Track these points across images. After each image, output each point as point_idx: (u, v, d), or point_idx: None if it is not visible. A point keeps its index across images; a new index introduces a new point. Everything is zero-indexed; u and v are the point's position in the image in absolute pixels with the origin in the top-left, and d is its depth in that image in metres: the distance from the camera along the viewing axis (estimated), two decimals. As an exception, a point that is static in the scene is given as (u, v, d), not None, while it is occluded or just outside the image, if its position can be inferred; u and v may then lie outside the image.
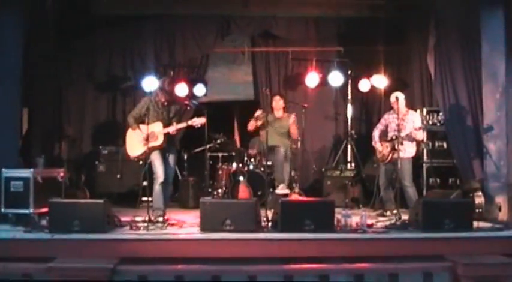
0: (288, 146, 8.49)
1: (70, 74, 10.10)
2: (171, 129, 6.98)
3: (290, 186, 8.32)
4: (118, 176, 8.94)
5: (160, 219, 6.57)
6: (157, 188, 6.91)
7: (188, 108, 9.93)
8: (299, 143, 8.69)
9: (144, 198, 8.18)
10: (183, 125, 7.08)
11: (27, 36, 7.64)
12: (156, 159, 6.95)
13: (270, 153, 8.17)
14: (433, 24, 8.50)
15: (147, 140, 6.81)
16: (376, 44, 10.13)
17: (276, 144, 8.25)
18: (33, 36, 8.15)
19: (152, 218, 6.45)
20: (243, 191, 8.53)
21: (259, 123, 8.32)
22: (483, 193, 7.23)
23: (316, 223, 5.94)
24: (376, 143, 7.93)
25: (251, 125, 8.48)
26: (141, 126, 6.95)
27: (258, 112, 8.41)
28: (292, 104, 10.07)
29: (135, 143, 7.01)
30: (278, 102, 8.57)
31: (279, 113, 8.58)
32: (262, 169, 8.68)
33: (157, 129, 6.93)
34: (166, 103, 7.12)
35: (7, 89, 7.07)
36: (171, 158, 7.14)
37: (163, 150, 7.01)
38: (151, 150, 6.88)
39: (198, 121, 7.11)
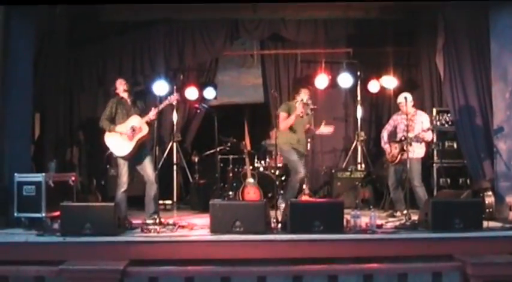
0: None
1: (81, 79, 10.19)
2: (151, 114, 6.98)
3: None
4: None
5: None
6: (119, 195, 6.99)
7: (198, 111, 10.07)
8: (309, 145, 8.58)
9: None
10: (160, 106, 7.08)
11: (38, 43, 7.76)
12: (123, 166, 7.02)
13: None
14: (442, 24, 8.49)
15: (132, 134, 6.90)
16: (385, 45, 10.16)
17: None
18: (44, 43, 8.29)
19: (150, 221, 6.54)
20: (253, 193, 8.58)
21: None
22: (493, 193, 7.22)
23: (326, 224, 5.95)
24: (385, 144, 7.94)
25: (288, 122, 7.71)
26: (117, 127, 7.02)
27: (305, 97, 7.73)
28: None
29: (120, 143, 7.02)
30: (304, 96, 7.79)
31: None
32: (272, 171, 8.72)
33: (136, 121, 6.98)
34: (129, 100, 7.19)
35: (19, 95, 7.16)
36: (147, 159, 7.10)
37: (134, 155, 7.03)
38: (140, 142, 6.96)
39: (173, 98, 7.19)
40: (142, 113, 7.11)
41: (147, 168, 7.07)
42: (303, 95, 7.80)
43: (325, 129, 7.97)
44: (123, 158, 7.05)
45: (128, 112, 7.10)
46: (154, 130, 7.08)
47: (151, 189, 7.05)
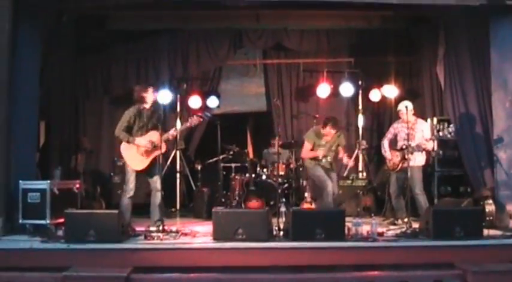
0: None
1: (87, 87, 10.28)
2: (171, 133, 7.00)
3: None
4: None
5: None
6: (125, 200, 6.97)
7: (201, 120, 10.10)
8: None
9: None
10: (181, 128, 7.11)
11: (44, 51, 7.82)
12: (131, 173, 6.99)
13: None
14: (443, 34, 8.59)
15: (150, 151, 6.90)
16: (386, 54, 10.28)
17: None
18: (50, 51, 8.35)
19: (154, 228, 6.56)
20: (256, 201, 8.63)
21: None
22: (494, 201, 7.24)
23: (327, 232, 6.00)
24: (386, 152, 7.97)
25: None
26: (137, 139, 6.94)
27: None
28: (304, 115, 10.24)
29: (137, 157, 6.96)
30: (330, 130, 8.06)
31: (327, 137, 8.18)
32: (274, 179, 8.77)
33: (155, 138, 6.91)
34: (149, 112, 7.12)
35: (26, 102, 7.19)
36: (155, 166, 7.04)
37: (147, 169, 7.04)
38: (154, 159, 6.96)
39: (194, 121, 7.21)
40: (160, 124, 7.01)
41: (154, 176, 7.07)
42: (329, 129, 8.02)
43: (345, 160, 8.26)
44: (136, 171, 7.02)
45: (145, 125, 7.02)
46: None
47: (156, 197, 7.03)
